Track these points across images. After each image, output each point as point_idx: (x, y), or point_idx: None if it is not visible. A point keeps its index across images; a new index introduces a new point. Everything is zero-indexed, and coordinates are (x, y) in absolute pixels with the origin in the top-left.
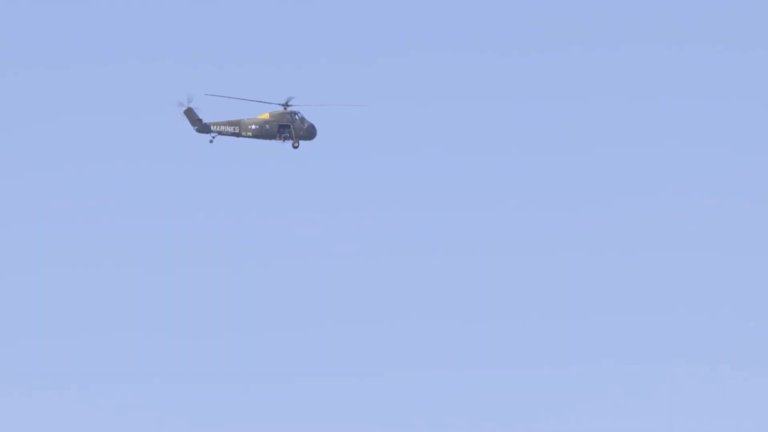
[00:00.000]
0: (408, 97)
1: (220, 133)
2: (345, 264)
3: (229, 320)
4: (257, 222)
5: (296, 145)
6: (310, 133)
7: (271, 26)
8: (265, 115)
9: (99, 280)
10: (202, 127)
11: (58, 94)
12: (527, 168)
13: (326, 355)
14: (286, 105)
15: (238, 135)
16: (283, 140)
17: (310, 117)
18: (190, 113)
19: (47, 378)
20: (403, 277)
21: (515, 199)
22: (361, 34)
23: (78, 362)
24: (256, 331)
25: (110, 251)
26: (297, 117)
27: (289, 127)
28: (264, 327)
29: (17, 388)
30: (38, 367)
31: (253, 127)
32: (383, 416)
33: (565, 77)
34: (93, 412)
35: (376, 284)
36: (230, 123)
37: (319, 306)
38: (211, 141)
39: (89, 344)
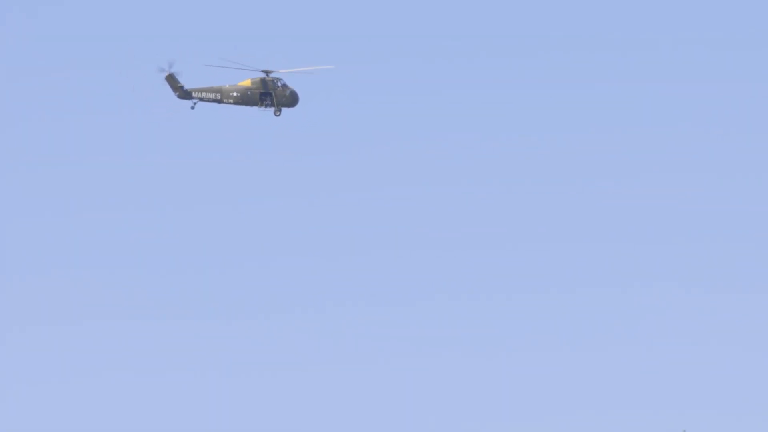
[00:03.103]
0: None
1: (201, 99)
2: (327, 237)
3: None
4: (237, 191)
5: (278, 112)
6: (292, 99)
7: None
8: (247, 82)
9: (86, 270)
10: (184, 94)
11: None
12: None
13: (309, 340)
14: (267, 72)
15: (219, 101)
16: (265, 107)
17: (293, 83)
18: (171, 79)
19: (45, 372)
20: (388, 253)
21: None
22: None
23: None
24: (241, 318)
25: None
26: (279, 84)
27: (271, 95)
28: (249, 314)
29: (17, 384)
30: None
31: (235, 94)
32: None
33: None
34: (95, 407)
35: (361, 261)
36: (212, 89)
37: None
38: (192, 107)
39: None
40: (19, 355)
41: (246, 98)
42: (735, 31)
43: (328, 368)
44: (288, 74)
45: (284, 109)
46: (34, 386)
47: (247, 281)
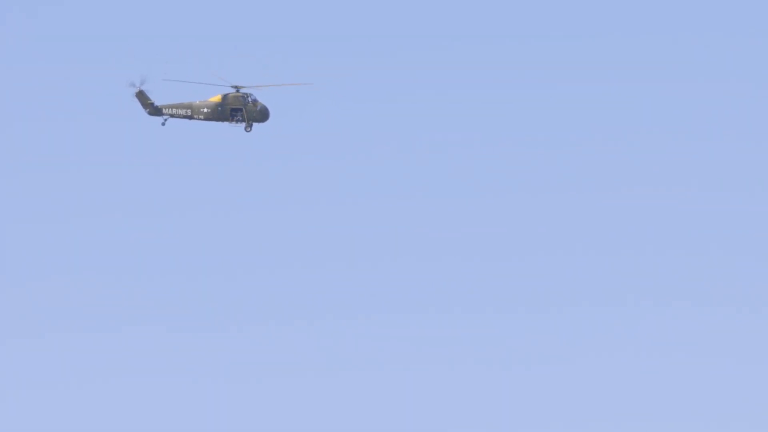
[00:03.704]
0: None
1: (172, 115)
2: (300, 248)
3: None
4: (211, 207)
5: (248, 128)
6: (263, 115)
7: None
8: (217, 98)
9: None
10: (154, 110)
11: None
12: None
13: (305, 347)
14: (238, 87)
15: (190, 117)
16: (236, 123)
17: (263, 98)
18: (141, 96)
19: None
20: (368, 265)
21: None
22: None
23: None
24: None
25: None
26: (249, 99)
27: (242, 110)
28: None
29: (17, 386)
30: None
31: (205, 110)
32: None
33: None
34: (94, 410)
35: (339, 272)
36: (182, 106)
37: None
38: (163, 124)
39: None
40: (15, 359)
41: (216, 114)
42: (735, 30)
43: (325, 374)
44: (262, 89)
45: (255, 125)
46: (32, 391)
47: (224, 292)
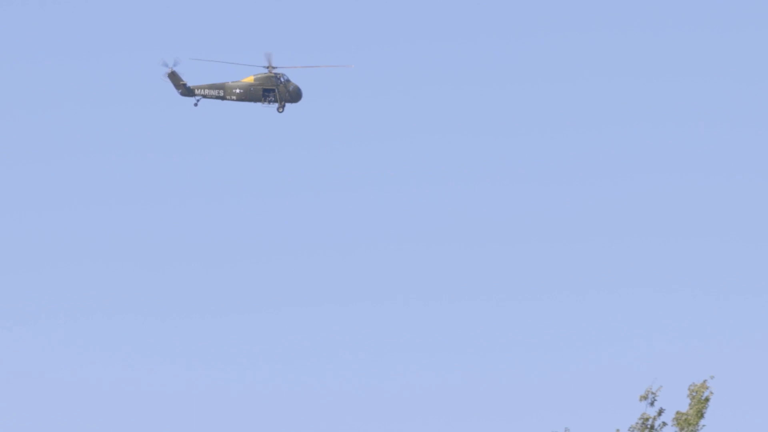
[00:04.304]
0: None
1: (204, 96)
2: (331, 234)
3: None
4: (241, 188)
5: (281, 109)
6: (295, 95)
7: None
8: (250, 78)
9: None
10: (186, 91)
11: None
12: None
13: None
14: (270, 68)
15: (222, 98)
16: (268, 103)
17: (296, 79)
18: (173, 76)
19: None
20: (392, 252)
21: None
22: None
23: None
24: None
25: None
26: (282, 80)
27: (274, 91)
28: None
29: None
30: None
31: (238, 90)
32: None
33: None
34: (94, 400)
35: (364, 259)
36: (214, 86)
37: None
38: (195, 104)
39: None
40: (12, 352)
41: (249, 95)
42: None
43: (322, 367)
44: (298, 70)
45: (288, 105)
46: (29, 384)
47: (249, 279)
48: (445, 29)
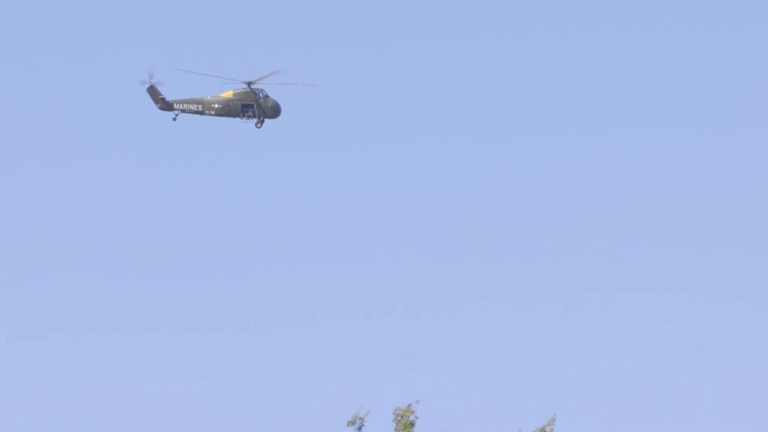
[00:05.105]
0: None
1: (183, 110)
2: (331, 237)
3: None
4: (220, 201)
5: (259, 124)
6: (274, 111)
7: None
8: (229, 93)
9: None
10: (165, 105)
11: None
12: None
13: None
14: (250, 83)
15: (201, 113)
16: (247, 119)
17: (274, 95)
18: (152, 91)
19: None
20: (382, 264)
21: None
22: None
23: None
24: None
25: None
26: (261, 95)
27: (253, 106)
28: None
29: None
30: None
31: (216, 105)
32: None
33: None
34: (93, 411)
35: (364, 263)
36: (193, 101)
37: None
38: (174, 119)
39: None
40: (8, 362)
41: (228, 110)
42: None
43: (323, 368)
44: (274, 87)
45: (266, 121)
46: (26, 394)
47: (232, 291)
48: (444, 31)
